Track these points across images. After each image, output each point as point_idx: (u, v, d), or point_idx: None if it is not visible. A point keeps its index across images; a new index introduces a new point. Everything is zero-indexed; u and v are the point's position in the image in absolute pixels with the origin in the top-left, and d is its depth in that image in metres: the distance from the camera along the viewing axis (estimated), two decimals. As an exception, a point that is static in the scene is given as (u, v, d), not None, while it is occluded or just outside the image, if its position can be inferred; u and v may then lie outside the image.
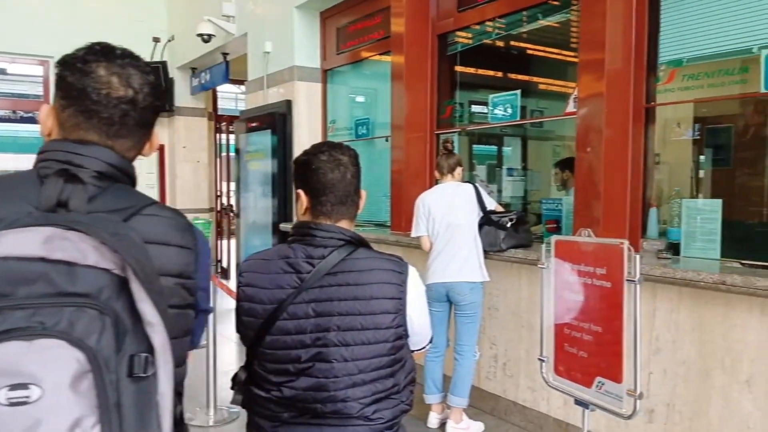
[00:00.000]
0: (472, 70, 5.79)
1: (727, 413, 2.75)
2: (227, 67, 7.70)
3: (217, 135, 9.41)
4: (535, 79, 6.83)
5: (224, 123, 9.35)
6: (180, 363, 1.04)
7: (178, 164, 9.04)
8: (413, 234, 3.83)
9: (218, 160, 9.38)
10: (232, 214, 8.56)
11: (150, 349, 0.87)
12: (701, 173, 5.00)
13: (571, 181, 4.17)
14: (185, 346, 1.09)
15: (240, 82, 8.36)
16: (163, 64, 8.55)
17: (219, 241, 9.18)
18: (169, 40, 8.79)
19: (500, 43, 5.78)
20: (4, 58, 8.55)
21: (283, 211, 6.14)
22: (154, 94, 1.11)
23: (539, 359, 2.67)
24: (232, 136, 8.59)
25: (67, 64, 1.05)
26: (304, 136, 6.12)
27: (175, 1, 8.82)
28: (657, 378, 3.02)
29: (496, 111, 4.34)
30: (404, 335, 1.51)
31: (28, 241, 0.84)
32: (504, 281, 3.85)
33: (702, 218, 3.10)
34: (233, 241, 8.18)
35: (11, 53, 8.33)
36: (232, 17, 7.04)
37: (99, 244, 0.86)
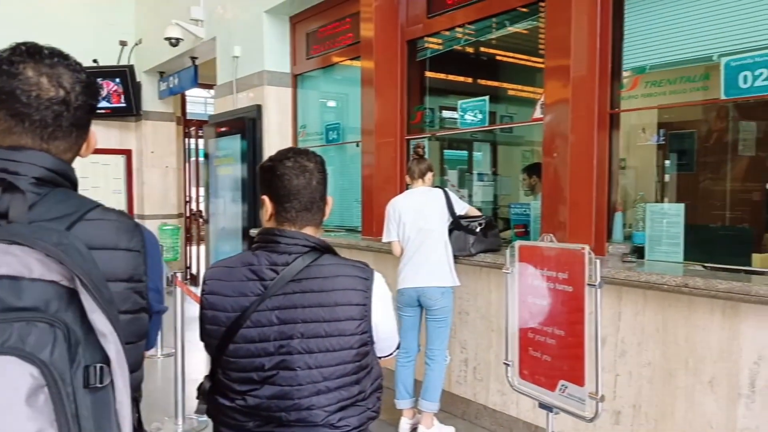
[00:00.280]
0: (442, 75, 5.84)
1: (692, 414, 2.81)
2: (196, 71, 7.62)
3: (186, 140, 9.30)
4: (505, 84, 6.92)
5: (193, 127, 9.25)
6: (135, 368, 1.02)
7: (146, 169, 8.90)
8: (384, 239, 3.84)
9: (187, 165, 9.26)
10: (201, 220, 8.47)
11: (105, 358, 0.86)
12: (666, 177, 5.11)
13: (539, 186, 4.22)
14: (140, 351, 1.07)
15: (209, 86, 8.30)
16: (130, 67, 8.43)
17: (188, 247, 9.06)
18: (137, 44, 8.66)
19: (470, 49, 5.84)
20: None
21: (253, 217, 6.09)
22: (88, 93, 1.07)
23: (504, 363, 2.69)
24: (201, 141, 8.50)
25: None
26: (275, 141, 6.08)
27: (143, 5, 8.70)
28: (623, 380, 3.06)
29: (465, 116, 4.38)
30: (369, 342, 1.50)
31: None
32: (474, 285, 3.87)
33: (665, 222, 3.16)
34: (203, 247, 8.08)
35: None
36: (201, 21, 6.98)
37: (44, 256, 0.84)
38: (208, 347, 1.56)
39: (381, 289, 1.54)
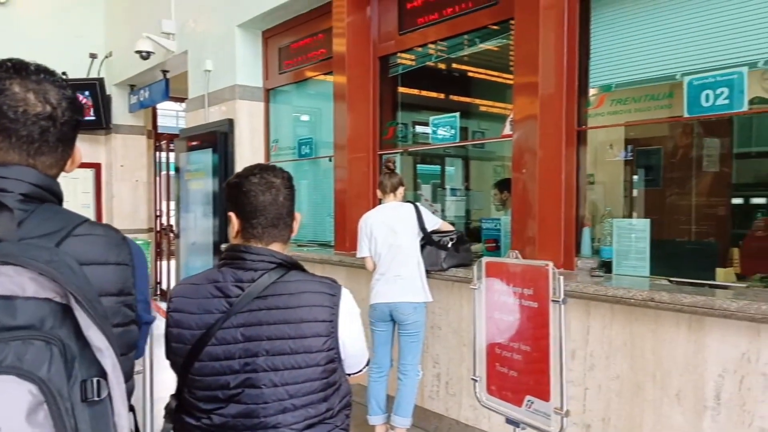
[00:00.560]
0: (415, 91, 5.89)
1: (659, 426, 2.84)
2: (167, 84, 7.56)
3: (157, 153, 9.20)
4: (477, 101, 7.00)
5: (164, 141, 9.15)
6: (128, 378, 1.03)
7: (116, 183, 8.77)
8: (358, 254, 3.85)
9: (158, 178, 9.15)
10: (171, 235, 8.35)
11: (101, 372, 0.88)
12: (635, 193, 5.21)
13: (510, 201, 4.26)
14: (132, 361, 1.10)
15: (181, 100, 8.23)
16: (100, 80, 8.32)
17: (158, 263, 8.93)
18: (107, 57, 8.57)
19: (442, 66, 5.91)
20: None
21: (224, 232, 6.03)
22: (73, 108, 1.09)
23: (472, 379, 2.70)
24: (172, 155, 8.41)
25: None
26: (246, 155, 6.05)
27: (114, 17, 8.62)
28: (592, 393, 3.09)
29: (437, 132, 4.41)
30: (337, 358, 1.49)
31: None
32: (446, 300, 3.88)
33: (632, 237, 3.22)
34: (173, 262, 7.97)
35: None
36: (172, 35, 6.93)
37: (36, 275, 0.85)
38: (173, 365, 1.54)
39: (348, 306, 1.53)
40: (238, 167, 5.90)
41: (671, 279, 3.03)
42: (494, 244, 4.07)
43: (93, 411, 0.86)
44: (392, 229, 3.66)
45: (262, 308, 1.44)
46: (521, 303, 2.35)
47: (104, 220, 8.80)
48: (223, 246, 5.78)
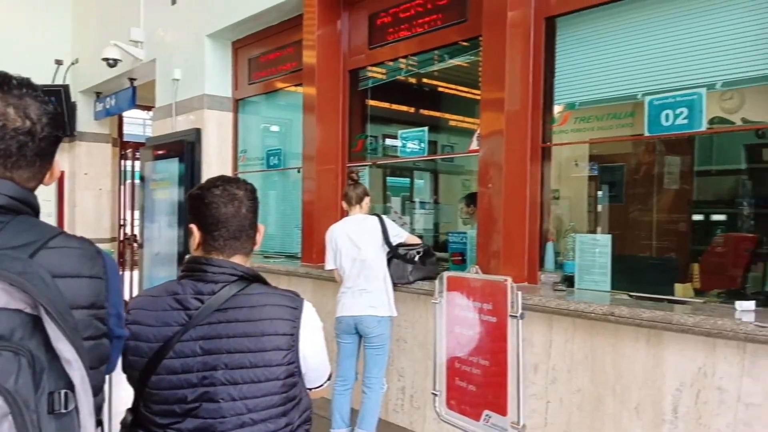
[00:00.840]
0: (385, 104, 5.92)
1: (618, 439, 2.88)
2: (134, 92, 7.46)
3: (122, 161, 9.05)
4: (447, 115, 7.07)
5: (130, 149, 9.01)
6: (97, 392, 1.03)
7: (79, 192, 8.59)
8: (325, 267, 3.85)
9: (122, 187, 9.00)
10: (135, 245, 8.20)
11: (69, 384, 0.88)
12: (599, 208, 5.30)
13: (476, 215, 4.30)
14: (102, 375, 1.09)
15: (148, 108, 8.13)
16: (65, 87, 8.17)
17: (121, 273, 8.75)
18: (73, 63, 8.43)
19: (413, 80, 5.95)
20: None
21: (189, 242, 5.95)
22: (53, 124, 1.09)
23: (432, 393, 2.70)
24: (138, 163, 8.28)
25: None
26: (214, 165, 6.00)
27: (82, 24, 8.49)
28: (554, 407, 3.12)
29: (405, 146, 4.44)
30: (297, 372, 1.48)
31: None
32: (412, 313, 3.89)
33: (594, 252, 3.27)
34: (136, 273, 7.82)
35: None
36: (141, 43, 6.86)
37: (8, 285, 0.86)
38: (130, 379, 1.51)
39: (310, 319, 1.52)
40: (205, 177, 5.83)
41: (631, 294, 3.09)
42: (460, 258, 4.10)
43: (59, 423, 0.86)
44: (355, 243, 3.66)
45: (222, 321, 1.43)
46: (481, 317, 2.37)
47: (66, 229, 8.59)
48: (188, 257, 5.72)
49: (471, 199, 4.81)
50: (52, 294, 0.89)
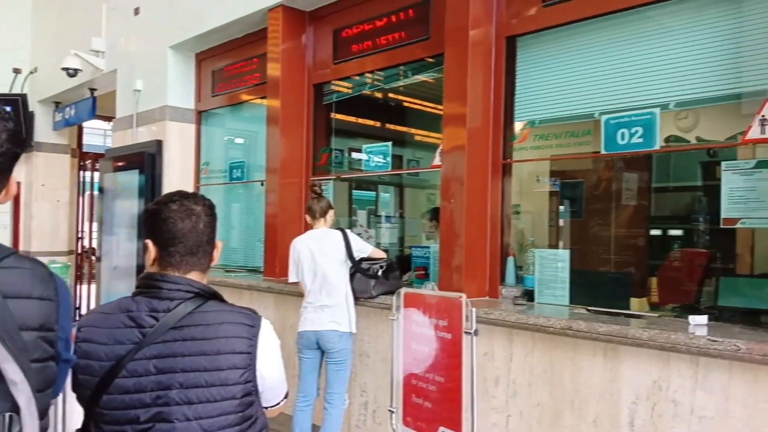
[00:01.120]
0: (351, 118, 5.93)
1: (577, 452, 2.91)
2: (94, 102, 7.32)
3: (81, 173, 8.85)
4: (413, 130, 7.11)
5: (89, 160, 8.82)
6: (43, 416, 1.01)
7: (35, 203, 8.37)
8: (288, 280, 3.83)
9: (80, 199, 8.79)
10: (93, 258, 8.01)
11: (14, 407, 0.87)
12: (561, 223, 5.39)
13: (439, 230, 4.33)
14: (48, 399, 1.07)
15: (108, 119, 7.97)
16: (23, 96, 8.00)
17: (78, 287, 8.53)
18: (32, 72, 8.24)
19: (378, 95, 5.99)
20: None
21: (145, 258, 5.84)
22: (13, 140, 1.08)
23: (389, 410, 2.69)
24: (97, 174, 8.12)
25: None
26: (175, 177, 5.91)
27: (42, 32, 8.31)
28: (515, 420, 3.14)
29: (370, 160, 4.45)
30: (254, 391, 1.46)
31: None
32: (375, 328, 3.88)
33: (553, 267, 3.33)
34: (94, 287, 7.63)
35: None
36: (102, 52, 6.74)
37: None
38: (80, 399, 1.47)
39: (268, 337, 1.51)
40: (166, 189, 5.76)
41: (589, 308, 3.14)
42: (424, 272, 4.11)
43: None
44: (315, 259, 3.65)
45: (177, 339, 1.40)
46: (437, 334, 2.39)
47: (22, 241, 8.38)
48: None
49: (434, 213, 4.84)
50: (0, 314, 0.87)
